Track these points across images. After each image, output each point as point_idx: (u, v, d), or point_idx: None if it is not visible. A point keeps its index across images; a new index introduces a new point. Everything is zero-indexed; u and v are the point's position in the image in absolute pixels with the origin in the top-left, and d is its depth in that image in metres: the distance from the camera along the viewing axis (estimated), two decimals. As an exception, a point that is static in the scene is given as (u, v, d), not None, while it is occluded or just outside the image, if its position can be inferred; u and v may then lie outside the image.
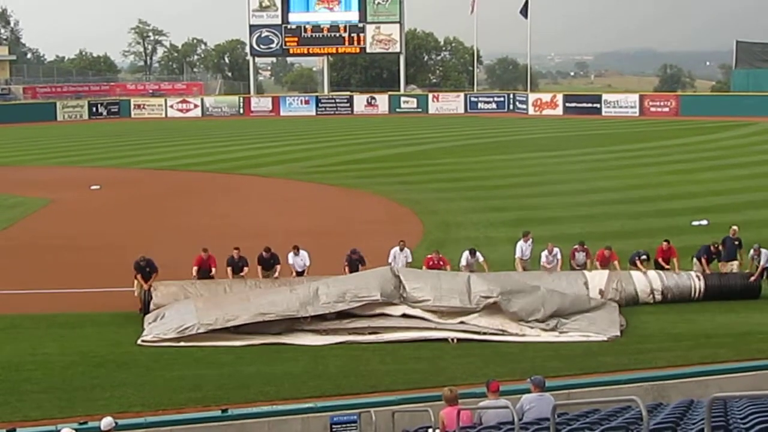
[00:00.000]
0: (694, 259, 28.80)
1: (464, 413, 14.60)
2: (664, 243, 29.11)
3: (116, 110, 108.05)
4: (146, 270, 27.06)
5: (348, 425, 17.19)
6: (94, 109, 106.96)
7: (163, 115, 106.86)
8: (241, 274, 27.90)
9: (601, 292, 27.11)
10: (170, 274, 29.81)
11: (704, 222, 37.48)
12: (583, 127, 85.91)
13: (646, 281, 27.81)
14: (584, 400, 17.10)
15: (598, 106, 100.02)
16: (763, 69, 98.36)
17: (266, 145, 72.50)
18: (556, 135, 79.31)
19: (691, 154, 61.89)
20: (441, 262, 28.26)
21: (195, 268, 27.70)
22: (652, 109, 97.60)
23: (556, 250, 28.81)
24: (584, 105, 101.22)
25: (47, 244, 36.59)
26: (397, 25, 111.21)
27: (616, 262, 28.39)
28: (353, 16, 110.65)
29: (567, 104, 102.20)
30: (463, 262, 28.49)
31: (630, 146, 67.34)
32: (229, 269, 27.74)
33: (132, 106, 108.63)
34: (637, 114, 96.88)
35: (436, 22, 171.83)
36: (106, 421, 14.73)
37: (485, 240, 35.87)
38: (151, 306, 26.17)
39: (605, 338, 24.42)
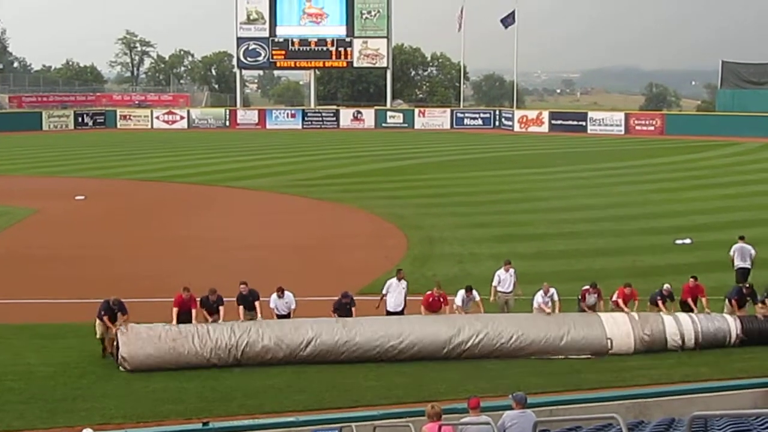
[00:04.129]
0: (725, 301, 26.09)
1: (446, 429, 14.60)
2: (691, 280, 26.22)
3: (102, 121, 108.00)
4: (116, 313, 23.62)
5: (329, 439, 17.18)
6: (80, 119, 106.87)
7: (149, 127, 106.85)
8: (217, 316, 24.30)
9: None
10: (155, 287, 29.87)
11: (688, 241, 37.60)
12: (569, 144, 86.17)
13: (676, 325, 25.00)
14: (566, 417, 17.14)
15: (583, 123, 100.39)
16: (747, 89, 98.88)
17: (252, 158, 72.54)
18: (542, 152, 79.56)
19: (675, 173, 62.11)
20: (441, 299, 25.54)
21: (175, 310, 24.10)
22: (638, 127, 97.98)
23: (552, 290, 25.63)
24: (570, 122, 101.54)
25: (31, 254, 36.50)
26: (385, 39, 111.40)
27: (636, 302, 25.77)
28: (341, 30, 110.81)
29: (553, 121, 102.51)
30: (459, 302, 25.70)
31: (615, 164, 67.56)
32: (204, 311, 24.39)
33: (118, 117, 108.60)
34: (623, 132, 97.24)
35: (424, 38, 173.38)
36: (87, 433, 14.71)
37: (469, 256, 35.95)
38: (121, 351, 22.74)
39: (589, 354, 24.41)
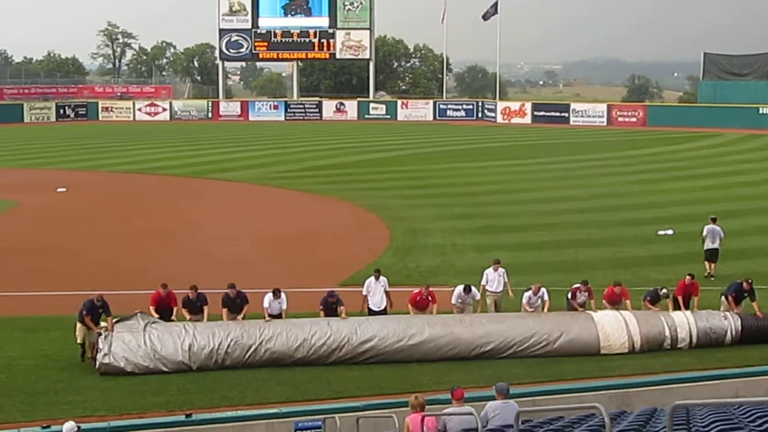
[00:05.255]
0: (722, 297, 25.35)
1: (429, 420, 14.61)
2: (688, 277, 25.41)
3: (84, 113, 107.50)
4: (100, 312, 22.68)
5: (312, 431, 17.18)
6: (62, 111, 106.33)
7: (131, 118, 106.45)
8: (201, 315, 23.69)
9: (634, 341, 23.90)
10: (137, 279, 29.76)
11: (670, 231, 37.73)
12: (551, 135, 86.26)
13: (675, 323, 24.24)
14: (548, 407, 17.19)
15: (566, 115, 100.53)
16: (729, 81, 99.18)
17: (234, 150, 72.33)
18: (524, 143, 79.65)
19: (657, 164, 62.26)
20: (429, 298, 24.58)
21: (152, 308, 23.33)
22: (620, 119, 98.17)
23: (542, 290, 24.81)
24: (552, 114, 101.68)
25: (12, 246, 36.32)
26: (367, 31, 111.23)
27: (627, 301, 24.89)
28: (323, 21, 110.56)
29: (535, 113, 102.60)
30: (455, 300, 25.00)
31: (597, 155, 67.70)
32: (185, 311, 23.67)
33: (100, 109, 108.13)
34: (605, 124, 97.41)
35: (406, 30, 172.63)
36: (69, 426, 14.66)
37: (452, 247, 35.97)
38: (106, 357, 21.83)
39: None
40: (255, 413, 18.36)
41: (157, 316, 23.23)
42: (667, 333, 24.13)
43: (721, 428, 11.60)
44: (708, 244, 31.76)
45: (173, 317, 23.48)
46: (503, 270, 26.28)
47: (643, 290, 26.30)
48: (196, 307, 23.82)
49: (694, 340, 24.15)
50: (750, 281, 25.01)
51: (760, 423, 11.73)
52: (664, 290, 25.39)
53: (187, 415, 17.88)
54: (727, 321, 24.43)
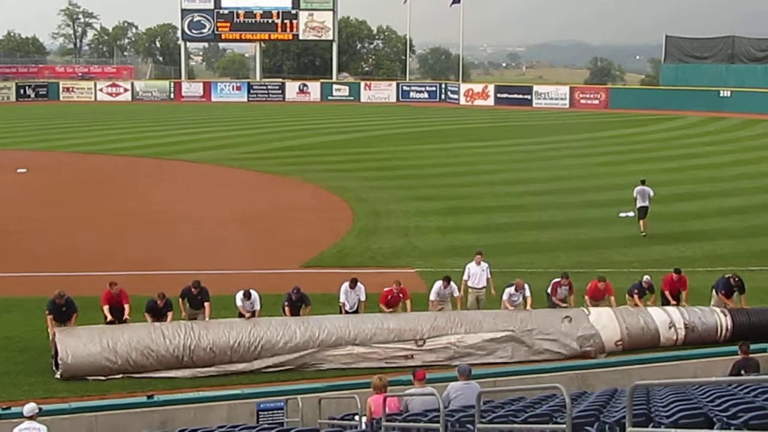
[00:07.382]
0: (713, 291, 24.13)
1: (391, 400, 14.67)
2: (674, 273, 24.28)
3: (45, 93, 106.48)
4: (63, 310, 21.25)
5: (275, 412, 17.21)
6: (22, 91, 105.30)
7: (93, 99, 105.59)
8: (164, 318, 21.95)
9: (618, 343, 22.50)
10: (98, 260, 29.57)
11: (631, 214, 37.82)
12: (514, 118, 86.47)
13: (665, 319, 22.93)
14: (510, 388, 17.29)
15: (529, 97, 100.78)
16: (691, 64, 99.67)
17: (197, 131, 71.96)
18: (487, 125, 79.75)
19: (619, 147, 62.62)
20: (401, 295, 23.01)
21: (106, 308, 21.70)
22: (582, 101, 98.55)
23: (525, 286, 23.49)
24: (515, 96, 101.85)
25: (-28, 228, 35.99)
26: (330, 12, 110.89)
27: (612, 298, 23.64)
28: (286, 2, 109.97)
29: (498, 95, 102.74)
30: (433, 296, 23.59)
31: (560, 138, 67.86)
32: (148, 316, 21.86)
33: (61, 89, 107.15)
34: (568, 106, 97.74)
35: (370, 11, 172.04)
36: (29, 407, 14.56)
37: (415, 229, 35.98)
38: (60, 362, 20.25)
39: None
40: (217, 394, 18.36)
41: (110, 317, 21.64)
42: (652, 331, 22.74)
43: (680, 408, 11.70)
44: (639, 203, 35.23)
45: (126, 317, 21.84)
46: (486, 264, 24.84)
47: (607, 272, 26.37)
48: (161, 313, 22.04)
49: (681, 339, 22.82)
50: (738, 277, 23.82)
51: (718, 403, 11.86)
52: (647, 278, 24.21)
53: (149, 396, 17.84)
54: (718, 317, 23.08)
